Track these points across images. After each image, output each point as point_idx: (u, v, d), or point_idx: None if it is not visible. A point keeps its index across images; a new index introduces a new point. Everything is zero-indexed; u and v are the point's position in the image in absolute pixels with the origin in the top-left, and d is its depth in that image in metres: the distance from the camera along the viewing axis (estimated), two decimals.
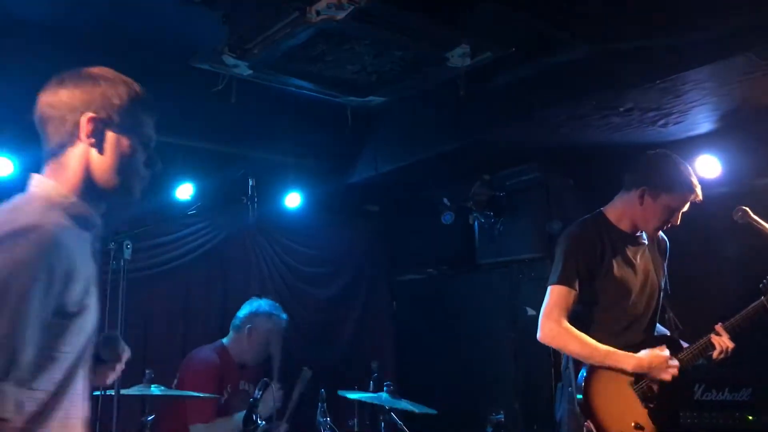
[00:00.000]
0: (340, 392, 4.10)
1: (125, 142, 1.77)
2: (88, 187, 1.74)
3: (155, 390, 3.48)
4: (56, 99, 1.73)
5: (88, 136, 1.73)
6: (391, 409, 4.12)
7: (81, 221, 1.72)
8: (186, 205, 4.96)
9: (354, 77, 3.92)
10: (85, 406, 1.73)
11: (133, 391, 3.43)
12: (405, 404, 4.04)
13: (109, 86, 1.76)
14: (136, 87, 1.80)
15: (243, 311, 4.50)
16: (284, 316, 4.54)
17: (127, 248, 3.36)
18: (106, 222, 1.84)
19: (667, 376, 3.00)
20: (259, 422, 3.55)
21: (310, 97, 4.20)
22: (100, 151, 1.74)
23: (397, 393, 4.12)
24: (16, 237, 1.52)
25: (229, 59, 3.62)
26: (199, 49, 3.59)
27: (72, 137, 1.73)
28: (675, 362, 3.05)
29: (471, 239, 5.47)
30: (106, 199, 1.79)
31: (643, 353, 3.04)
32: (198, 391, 3.78)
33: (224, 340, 4.51)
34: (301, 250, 5.91)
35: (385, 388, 4.08)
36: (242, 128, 4.82)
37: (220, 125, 4.70)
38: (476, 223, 5.34)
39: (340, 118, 4.55)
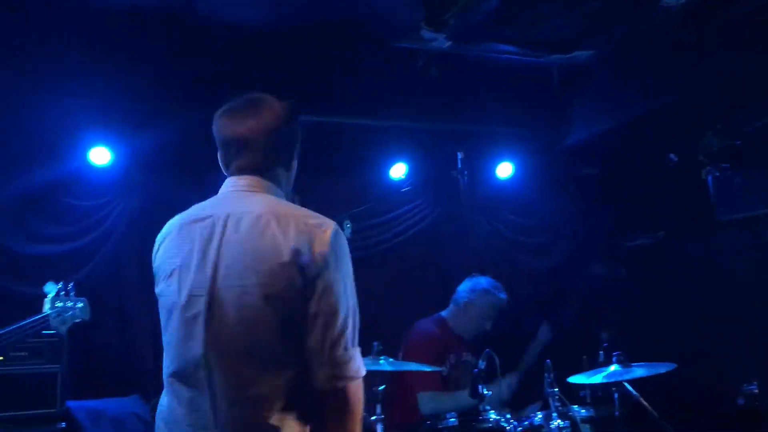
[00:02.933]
0: (570, 379, 3.96)
1: (295, 162, 2.23)
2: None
3: (383, 362, 3.61)
4: (271, 126, 2.13)
5: (290, 160, 2.21)
6: (624, 380, 3.90)
7: None
8: (400, 184, 5.09)
9: (556, 34, 3.74)
10: None
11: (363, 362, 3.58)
12: (639, 371, 3.80)
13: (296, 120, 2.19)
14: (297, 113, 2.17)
15: (463, 286, 4.56)
16: (503, 295, 4.51)
17: (347, 227, 3.51)
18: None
19: None
20: (486, 392, 3.55)
21: (511, 62, 4.09)
22: (289, 170, 2.18)
23: (629, 361, 3.89)
24: None
25: (427, 33, 3.63)
26: (397, 27, 3.63)
27: (282, 161, 2.16)
28: None
29: (705, 196, 5.02)
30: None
31: None
32: (419, 361, 3.88)
33: (443, 313, 4.60)
34: (518, 221, 5.81)
35: (614, 359, 3.87)
36: (447, 103, 4.82)
37: (426, 102, 4.74)
38: (710, 177, 4.90)
39: (545, 80, 4.38)
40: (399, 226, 5.41)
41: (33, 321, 2.52)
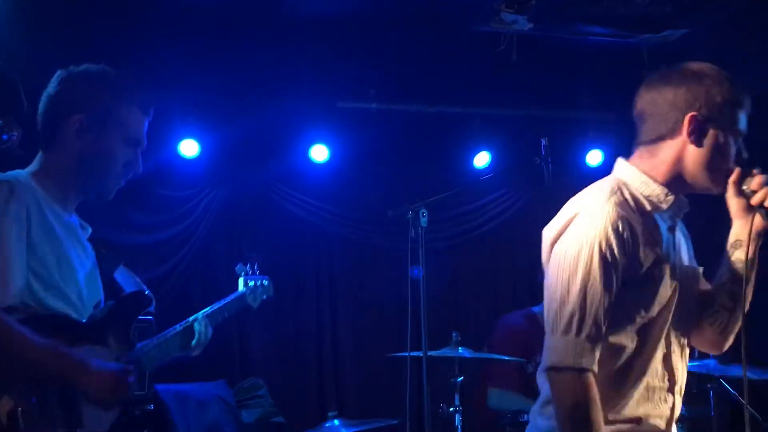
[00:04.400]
0: None
1: (722, 139, 1.80)
2: (675, 177, 1.83)
3: (462, 352, 3.55)
4: (660, 97, 1.83)
5: (689, 134, 1.80)
6: (721, 377, 3.69)
7: (653, 205, 1.84)
8: (483, 172, 5.00)
9: (646, 11, 3.55)
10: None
11: (441, 352, 3.54)
12: (738, 371, 3.58)
13: (713, 85, 1.80)
14: (737, 85, 1.83)
15: None
16: None
17: (423, 216, 3.45)
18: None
19: None
20: None
21: (597, 43, 3.92)
22: (699, 145, 1.81)
23: (728, 358, 3.67)
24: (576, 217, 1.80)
25: (508, 15, 3.53)
26: (476, 11, 3.55)
27: (672, 132, 1.82)
28: None
29: None
30: (691, 191, 1.88)
31: None
32: (503, 356, 3.78)
33: (534, 308, 4.45)
34: None
35: (711, 354, 3.66)
36: (531, 88, 4.69)
37: (508, 88, 4.63)
38: None
39: (633, 61, 4.17)
40: (483, 216, 5.33)
41: (233, 299, 2.66)
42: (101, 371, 1.83)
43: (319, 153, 4.89)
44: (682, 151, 1.81)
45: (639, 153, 1.89)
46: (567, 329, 1.73)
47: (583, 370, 1.72)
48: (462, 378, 3.52)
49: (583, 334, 1.73)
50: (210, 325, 2.45)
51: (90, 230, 2.09)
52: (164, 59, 4.27)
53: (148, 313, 2.23)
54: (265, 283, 2.92)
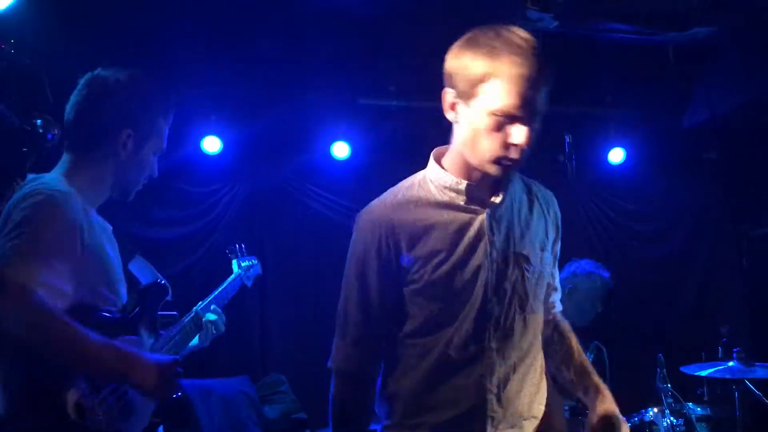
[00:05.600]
0: (683, 368, 3.75)
1: (477, 116, 1.69)
2: (460, 158, 1.78)
3: None
4: (445, 69, 1.76)
5: (452, 111, 1.74)
6: (746, 378, 3.66)
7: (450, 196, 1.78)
8: None
9: (673, 9, 3.51)
10: None
11: None
12: (762, 372, 3.56)
13: (472, 53, 1.69)
14: (507, 47, 1.67)
15: (564, 273, 4.38)
16: (606, 273, 4.31)
17: None
18: None
19: None
20: None
21: (623, 41, 3.89)
22: (460, 128, 1.75)
23: (751, 359, 3.65)
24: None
25: (533, 13, 3.51)
26: (500, 8, 3.53)
27: (449, 109, 1.77)
28: None
29: None
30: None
31: None
32: None
33: None
34: (631, 207, 5.57)
35: (734, 355, 3.64)
36: (554, 85, 4.66)
37: None
38: None
39: (660, 60, 4.14)
40: None
41: (232, 280, 2.73)
42: (154, 363, 1.87)
43: (341, 150, 4.89)
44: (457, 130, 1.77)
45: (452, 137, 1.82)
46: (337, 332, 1.81)
47: (346, 375, 1.79)
48: None
49: (348, 339, 1.79)
50: (220, 310, 2.49)
51: (110, 226, 2.13)
52: (187, 56, 4.29)
53: (167, 302, 2.21)
54: (254, 261, 3.00)
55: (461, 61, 1.68)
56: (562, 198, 5.68)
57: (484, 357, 1.71)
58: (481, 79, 1.63)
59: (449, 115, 1.72)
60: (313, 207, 5.02)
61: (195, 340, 2.35)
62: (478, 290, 1.71)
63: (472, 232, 1.74)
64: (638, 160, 5.28)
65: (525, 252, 1.81)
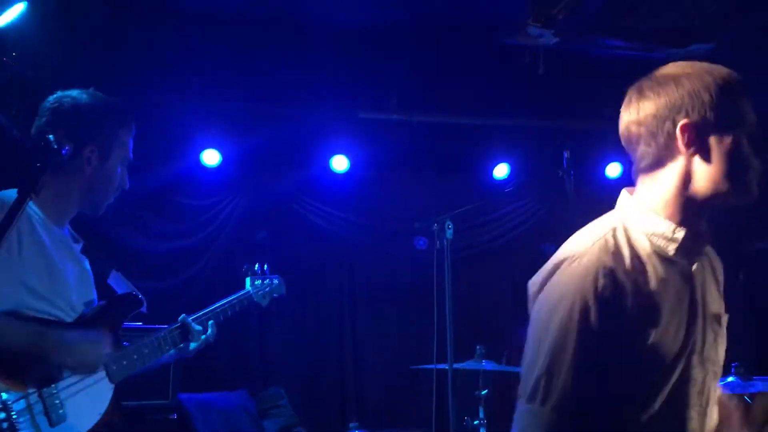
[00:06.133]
0: None
1: (728, 139, 1.49)
2: (687, 204, 1.53)
3: (486, 365, 3.56)
4: (641, 114, 1.54)
5: (687, 146, 1.50)
6: (744, 394, 3.67)
7: (657, 247, 1.55)
8: (504, 184, 5.00)
9: (673, 25, 3.55)
10: None
11: (466, 365, 3.54)
12: (761, 386, 3.57)
13: (695, 81, 1.51)
14: (724, 72, 1.53)
15: None
16: None
17: (449, 228, 3.47)
18: None
19: None
20: None
21: (621, 57, 3.92)
22: (706, 158, 1.50)
23: (750, 374, 3.66)
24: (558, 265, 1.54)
25: (534, 29, 3.54)
26: (503, 24, 3.57)
27: (668, 151, 1.52)
28: None
29: None
30: (709, 212, 1.57)
31: None
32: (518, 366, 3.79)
33: None
34: None
35: (733, 369, 3.65)
36: (553, 100, 4.70)
37: (532, 100, 4.64)
38: None
39: None
40: (502, 227, 5.33)
41: (238, 297, 2.71)
42: (76, 340, 1.96)
43: (340, 163, 4.91)
44: (689, 169, 1.51)
45: (641, 182, 1.58)
46: (531, 397, 1.50)
47: None
48: (486, 391, 3.53)
49: (549, 404, 1.48)
50: (213, 323, 2.47)
51: (82, 242, 2.19)
52: (188, 70, 4.31)
53: (141, 315, 2.22)
54: (275, 282, 2.97)
55: (703, 82, 1.52)
56: (560, 212, 5.75)
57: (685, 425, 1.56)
58: (731, 95, 1.53)
59: (690, 150, 1.51)
60: (312, 220, 5.03)
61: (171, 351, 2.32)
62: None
63: (686, 291, 1.57)
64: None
65: (717, 312, 1.64)
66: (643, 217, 1.55)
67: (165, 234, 4.72)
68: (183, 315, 2.37)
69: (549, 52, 3.77)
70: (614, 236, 1.53)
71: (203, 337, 2.39)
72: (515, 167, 5.13)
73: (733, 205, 1.56)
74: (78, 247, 2.17)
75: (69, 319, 2.03)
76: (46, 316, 1.97)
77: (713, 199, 1.52)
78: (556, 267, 1.54)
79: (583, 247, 1.53)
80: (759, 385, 3.60)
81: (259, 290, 2.87)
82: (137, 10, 4.00)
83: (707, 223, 1.58)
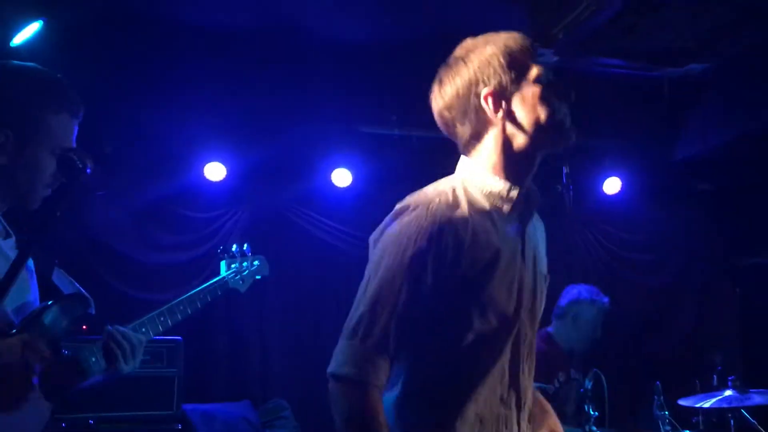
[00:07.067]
0: (681, 401, 3.81)
1: (528, 93, 1.60)
2: (514, 162, 1.62)
3: None
4: (446, 99, 1.66)
5: (495, 111, 1.61)
6: (742, 407, 3.72)
7: (493, 205, 1.63)
8: None
9: (670, 46, 3.63)
10: None
11: None
12: (758, 398, 3.62)
13: (480, 55, 1.63)
14: (504, 37, 1.65)
15: (564, 299, 4.45)
16: (605, 298, 4.40)
17: None
18: None
19: None
20: (592, 413, 3.48)
21: (619, 75, 4.00)
22: (516, 116, 1.60)
23: (747, 387, 3.71)
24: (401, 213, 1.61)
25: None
26: None
27: (481, 122, 1.63)
28: None
29: None
30: (534, 163, 1.65)
31: None
32: None
33: (549, 329, 4.52)
34: (625, 237, 5.65)
35: (729, 383, 3.71)
36: None
37: None
38: None
39: (654, 93, 4.25)
40: None
41: (210, 284, 2.45)
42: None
43: (342, 177, 4.96)
44: (503, 132, 1.61)
45: (472, 155, 1.67)
46: (352, 334, 1.54)
47: (362, 383, 1.51)
48: None
49: (369, 342, 1.52)
50: (187, 308, 2.25)
51: (14, 237, 1.90)
52: (191, 84, 4.37)
53: (88, 317, 1.97)
54: (256, 263, 2.73)
55: (488, 51, 1.65)
56: (559, 227, 5.80)
57: (519, 380, 1.66)
58: (515, 56, 1.64)
59: (500, 116, 1.61)
60: (314, 234, 5.07)
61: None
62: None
63: (520, 246, 1.66)
64: (633, 190, 5.38)
65: (545, 272, 1.75)
66: (482, 177, 1.63)
67: (168, 246, 4.76)
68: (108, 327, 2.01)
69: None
70: (454, 192, 1.61)
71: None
72: None
73: (558, 149, 1.64)
74: (9, 242, 1.87)
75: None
76: None
77: (536, 149, 1.62)
78: (396, 215, 1.63)
79: (423, 199, 1.61)
80: (756, 398, 3.65)
81: (237, 274, 2.61)
82: (141, 26, 4.06)
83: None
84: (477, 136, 1.65)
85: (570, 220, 5.40)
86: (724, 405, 3.65)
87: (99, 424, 3.46)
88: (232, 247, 2.68)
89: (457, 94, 1.64)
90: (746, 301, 5.70)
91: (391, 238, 1.59)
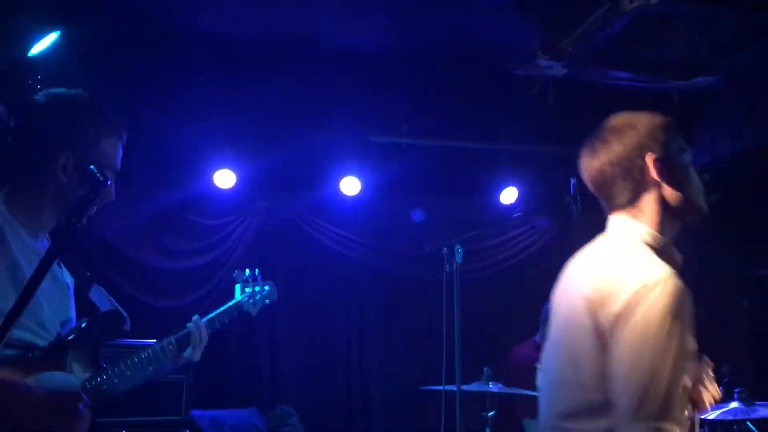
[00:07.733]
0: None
1: (681, 165, 1.81)
2: (667, 225, 1.82)
3: (493, 387, 3.62)
4: (612, 157, 1.80)
5: (660, 175, 1.77)
6: (747, 419, 3.72)
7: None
8: (511, 209, 5.07)
9: (678, 59, 3.65)
10: None
11: (473, 387, 3.61)
12: (764, 411, 3.62)
13: (646, 125, 1.82)
14: (660, 117, 1.87)
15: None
16: None
17: (458, 252, 3.53)
18: None
19: None
20: None
21: (628, 88, 4.02)
22: (673, 184, 1.78)
23: (753, 399, 3.71)
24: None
25: (543, 61, 3.63)
26: (514, 55, 3.67)
27: (643, 183, 1.78)
28: None
29: None
30: (680, 228, 1.86)
31: None
32: (523, 388, 3.85)
33: (537, 338, 4.58)
34: None
35: (736, 395, 3.71)
36: (561, 129, 4.79)
37: (540, 128, 4.73)
38: None
39: (663, 106, 4.26)
40: (509, 250, 5.40)
41: (229, 307, 2.56)
42: (42, 398, 1.71)
43: (351, 185, 4.99)
44: (661, 195, 1.78)
45: (622, 214, 1.82)
46: (657, 414, 1.57)
47: None
48: (493, 412, 3.59)
49: (672, 417, 1.59)
50: (207, 330, 2.35)
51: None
52: (202, 92, 4.41)
53: (123, 333, 2.07)
54: (266, 288, 2.82)
55: (653, 122, 1.85)
56: (567, 236, 5.78)
57: None
58: (671, 131, 1.86)
59: (661, 178, 1.78)
60: (323, 241, 5.10)
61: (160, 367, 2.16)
62: None
63: None
64: None
65: None
66: (651, 234, 1.80)
67: (179, 252, 4.81)
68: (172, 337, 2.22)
69: (558, 82, 3.87)
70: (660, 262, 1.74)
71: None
72: (522, 192, 5.21)
73: (696, 219, 1.86)
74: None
75: (43, 343, 1.85)
76: (15, 341, 1.75)
77: (685, 216, 1.83)
78: (642, 293, 1.67)
79: (658, 272, 1.70)
80: (762, 410, 3.65)
81: (250, 298, 2.72)
82: (154, 35, 4.11)
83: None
84: (636, 196, 1.80)
85: (578, 230, 5.40)
86: (729, 417, 3.65)
87: (108, 428, 3.49)
88: (245, 271, 2.78)
89: (626, 155, 1.79)
90: (754, 313, 5.69)
91: (655, 316, 1.66)
